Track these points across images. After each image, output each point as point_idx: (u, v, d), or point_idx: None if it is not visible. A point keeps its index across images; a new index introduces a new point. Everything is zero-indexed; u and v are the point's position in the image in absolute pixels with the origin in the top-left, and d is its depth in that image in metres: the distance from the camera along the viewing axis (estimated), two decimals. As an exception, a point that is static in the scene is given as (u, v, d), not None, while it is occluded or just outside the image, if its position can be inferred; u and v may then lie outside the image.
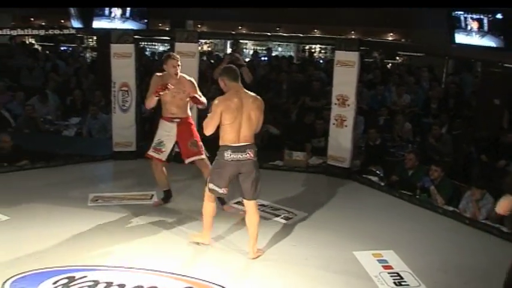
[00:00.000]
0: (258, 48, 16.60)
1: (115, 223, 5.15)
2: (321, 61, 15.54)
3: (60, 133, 8.54)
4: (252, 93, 4.46)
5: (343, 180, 6.78)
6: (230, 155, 4.33)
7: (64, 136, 8.42)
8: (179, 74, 5.30)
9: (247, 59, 12.56)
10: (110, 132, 7.47)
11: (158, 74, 5.41)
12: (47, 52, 14.46)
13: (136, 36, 7.20)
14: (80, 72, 11.24)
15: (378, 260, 4.61)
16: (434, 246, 4.99)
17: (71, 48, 16.24)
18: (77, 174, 6.59)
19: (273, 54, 15.97)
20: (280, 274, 4.30)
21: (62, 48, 16.15)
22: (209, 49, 17.07)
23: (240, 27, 15.78)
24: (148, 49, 16.24)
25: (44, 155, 6.99)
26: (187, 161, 5.39)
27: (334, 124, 6.84)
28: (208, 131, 4.39)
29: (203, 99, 5.27)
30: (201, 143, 5.38)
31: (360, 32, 15.48)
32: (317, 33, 16.43)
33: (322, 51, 17.23)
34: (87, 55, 15.54)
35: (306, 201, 5.95)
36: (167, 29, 16.00)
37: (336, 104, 6.77)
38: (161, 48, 16.79)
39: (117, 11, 9.96)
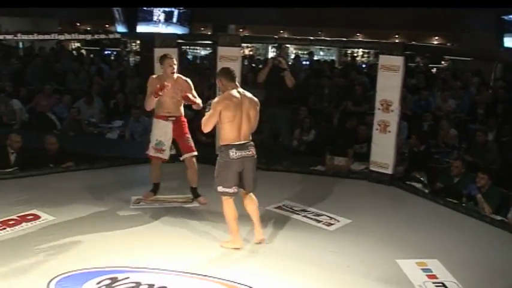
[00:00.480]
0: (300, 52, 16.59)
1: (157, 225, 5.20)
2: (364, 65, 15.40)
3: (104, 135, 8.70)
4: (249, 94, 4.62)
5: (386, 186, 6.66)
6: (235, 153, 4.47)
7: (107, 138, 8.57)
8: (176, 74, 5.47)
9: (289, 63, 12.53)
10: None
11: (154, 76, 5.56)
12: (92, 56, 14.77)
13: (179, 41, 7.26)
14: (125, 74, 11.42)
15: (422, 269, 4.50)
16: (480, 256, 4.83)
17: (115, 52, 16.56)
18: (120, 177, 6.67)
19: (315, 58, 15.91)
20: (319, 280, 4.24)
21: (106, 52, 16.49)
22: (251, 53, 17.14)
23: (281, 32, 15.77)
24: (190, 53, 16.42)
25: (88, 157, 7.12)
26: (183, 157, 5.62)
27: (377, 129, 6.73)
28: (207, 128, 4.57)
29: (198, 100, 5.42)
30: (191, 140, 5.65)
31: (403, 35, 15.27)
32: (360, 37, 16.29)
33: (365, 55, 17.07)
34: (131, 59, 15.80)
35: (348, 207, 5.85)
36: (209, 33, 16.13)
37: (379, 109, 6.66)
38: (203, 52, 16.96)
39: (161, 16, 10.10)
